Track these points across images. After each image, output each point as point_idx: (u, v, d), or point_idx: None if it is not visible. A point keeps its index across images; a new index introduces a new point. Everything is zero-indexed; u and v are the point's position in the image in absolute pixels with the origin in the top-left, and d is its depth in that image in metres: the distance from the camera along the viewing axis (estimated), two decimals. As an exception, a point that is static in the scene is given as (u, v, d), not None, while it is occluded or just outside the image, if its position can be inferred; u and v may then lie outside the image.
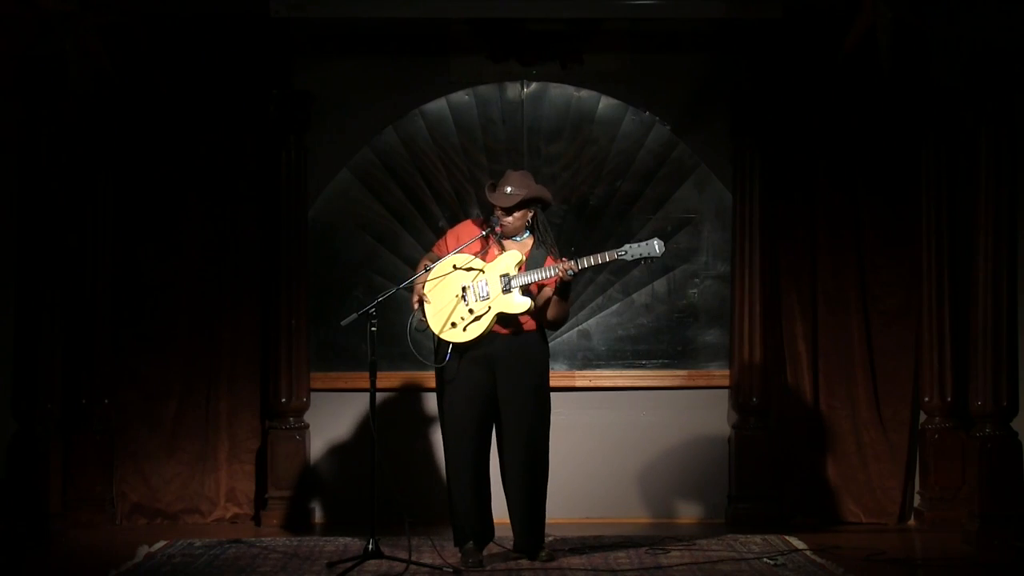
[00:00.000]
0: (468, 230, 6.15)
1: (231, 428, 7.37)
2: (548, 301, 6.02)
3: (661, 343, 7.60)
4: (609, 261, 5.95)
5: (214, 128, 7.35)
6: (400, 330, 7.46)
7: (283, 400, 7.33)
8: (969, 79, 6.72)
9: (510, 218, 6.02)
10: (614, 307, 7.61)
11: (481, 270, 6.02)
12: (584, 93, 7.60)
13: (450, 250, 6.06)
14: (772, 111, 7.38)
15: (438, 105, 7.58)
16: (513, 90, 7.60)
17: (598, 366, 7.59)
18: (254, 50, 7.33)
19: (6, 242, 6.95)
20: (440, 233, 7.46)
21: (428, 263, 6.09)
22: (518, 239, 6.09)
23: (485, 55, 7.51)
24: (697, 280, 7.61)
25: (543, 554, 6.11)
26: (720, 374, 7.54)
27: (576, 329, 7.60)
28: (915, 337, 7.39)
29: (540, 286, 6.03)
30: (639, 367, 7.58)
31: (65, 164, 7.01)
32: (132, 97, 7.27)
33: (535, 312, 6.04)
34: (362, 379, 6.56)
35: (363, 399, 6.26)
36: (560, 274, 5.88)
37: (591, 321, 7.60)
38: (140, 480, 7.31)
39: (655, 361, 7.60)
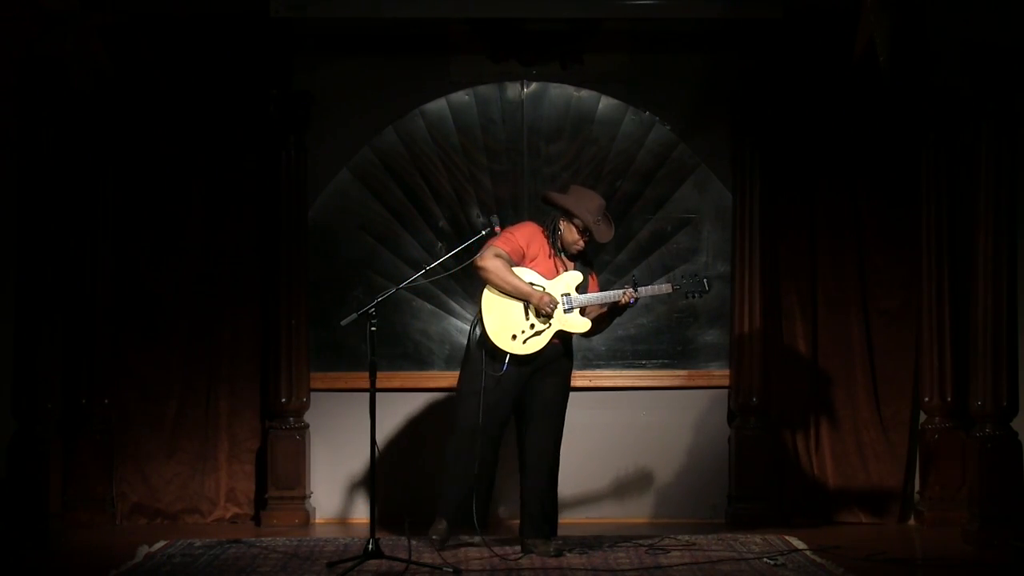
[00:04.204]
0: (539, 240, 6.27)
1: (231, 428, 7.37)
2: (598, 319, 6.31)
3: (661, 343, 7.60)
4: (665, 293, 6.32)
5: (214, 128, 7.35)
6: (400, 330, 7.49)
7: (283, 400, 7.33)
8: (969, 79, 6.72)
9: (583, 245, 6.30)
10: (614, 307, 7.60)
11: (542, 287, 6.19)
12: (584, 93, 7.59)
13: (523, 253, 6.20)
14: (772, 111, 7.38)
15: (438, 105, 7.58)
16: (513, 90, 7.60)
17: (598, 366, 7.59)
18: (254, 50, 7.32)
19: (6, 242, 6.94)
20: (440, 234, 7.50)
21: (506, 269, 6.16)
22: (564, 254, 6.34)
23: (485, 55, 7.51)
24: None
25: (552, 548, 6.20)
26: (720, 374, 7.54)
27: (576, 329, 7.61)
28: (915, 337, 7.39)
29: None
30: (639, 367, 7.58)
31: (65, 164, 7.01)
32: (132, 97, 7.27)
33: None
34: (362, 379, 6.56)
35: (363, 399, 6.26)
36: (623, 300, 6.18)
37: (591, 321, 7.60)
38: (140, 480, 7.31)
39: (655, 361, 7.59)
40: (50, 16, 6.62)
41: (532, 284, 6.18)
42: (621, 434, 7.52)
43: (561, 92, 7.60)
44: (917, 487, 7.40)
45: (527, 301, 6.15)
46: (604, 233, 6.25)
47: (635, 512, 7.46)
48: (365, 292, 7.41)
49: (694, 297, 6.37)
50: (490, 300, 6.18)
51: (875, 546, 6.51)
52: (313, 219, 7.50)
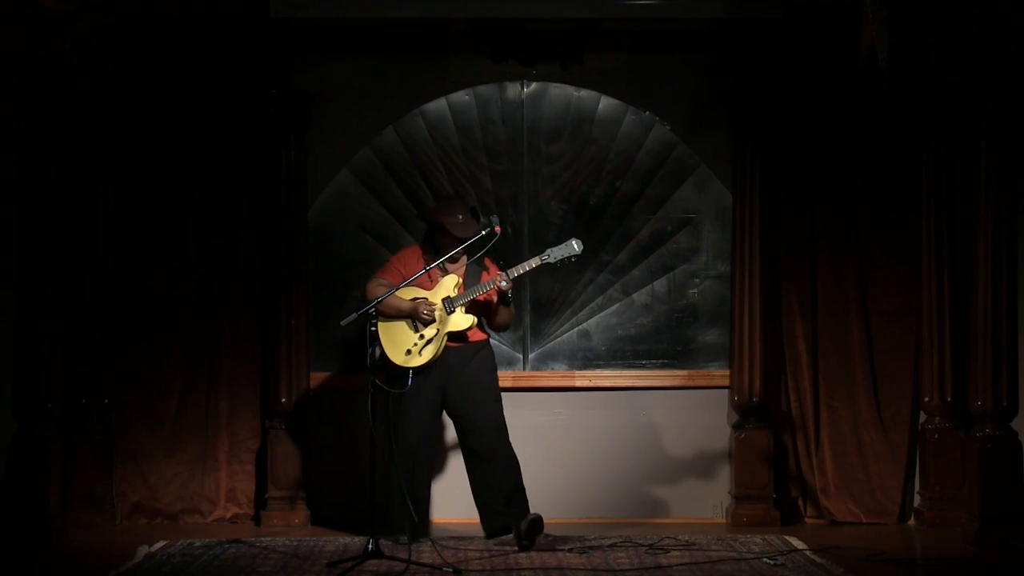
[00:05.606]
0: (415, 259, 6.64)
1: (231, 428, 7.38)
2: (492, 310, 6.63)
3: (661, 343, 7.60)
4: (536, 267, 6.52)
5: (214, 128, 7.36)
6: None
7: (283, 400, 7.33)
8: (969, 78, 6.72)
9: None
10: (614, 307, 7.61)
11: (425, 298, 6.50)
12: (584, 93, 7.59)
13: (401, 275, 6.53)
14: (772, 111, 7.37)
15: (438, 105, 7.58)
16: (513, 90, 7.60)
17: (598, 366, 7.59)
18: (254, 50, 7.33)
19: (6, 242, 6.94)
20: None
21: (380, 289, 6.50)
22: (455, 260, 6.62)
23: (485, 55, 7.52)
24: (697, 280, 7.61)
25: (532, 516, 6.38)
26: (720, 374, 7.54)
27: (576, 329, 7.61)
28: (915, 337, 7.39)
29: (479, 300, 6.58)
30: (639, 367, 7.58)
31: (65, 164, 7.01)
32: (132, 97, 7.27)
33: (488, 321, 6.69)
34: (362, 379, 6.57)
35: (363, 399, 6.26)
36: (496, 287, 6.46)
37: (591, 321, 7.60)
38: (140, 480, 7.31)
39: (655, 361, 7.59)
40: (50, 16, 6.62)
41: (415, 299, 6.53)
42: (621, 434, 7.52)
43: (561, 92, 7.60)
44: (917, 487, 7.40)
45: (411, 316, 6.52)
46: (464, 230, 6.50)
47: (635, 512, 7.46)
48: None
49: (571, 261, 6.54)
50: (381, 326, 6.49)
51: (875, 546, 6.51)
52: (313, 219, 7.50)
